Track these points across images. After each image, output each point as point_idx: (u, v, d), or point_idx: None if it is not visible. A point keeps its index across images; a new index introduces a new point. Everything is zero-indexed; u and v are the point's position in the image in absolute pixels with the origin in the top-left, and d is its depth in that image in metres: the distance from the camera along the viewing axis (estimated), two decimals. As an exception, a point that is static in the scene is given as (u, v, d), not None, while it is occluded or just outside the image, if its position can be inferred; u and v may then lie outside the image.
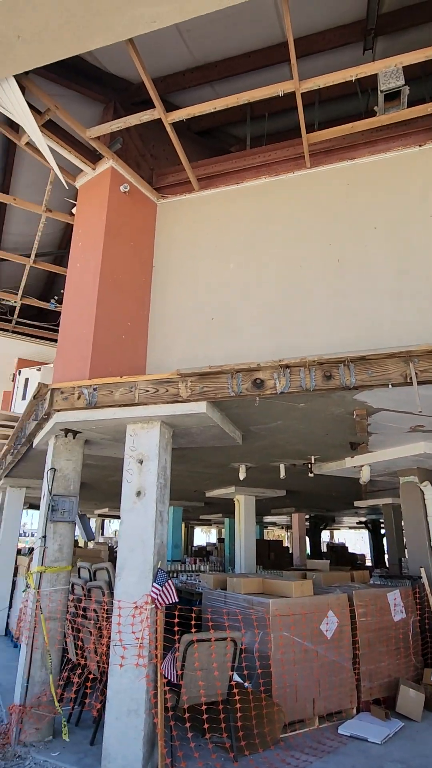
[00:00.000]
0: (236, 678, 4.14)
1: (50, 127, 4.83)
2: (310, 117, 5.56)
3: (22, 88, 4.14)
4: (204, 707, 3.85)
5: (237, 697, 3.96)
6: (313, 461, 7.09)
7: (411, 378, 3.60)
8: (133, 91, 5.77)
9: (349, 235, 4.69)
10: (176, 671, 3.77)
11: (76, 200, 5.76)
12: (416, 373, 3.60)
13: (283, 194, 5.11)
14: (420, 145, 4.76)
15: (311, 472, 7.31)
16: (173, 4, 3.38)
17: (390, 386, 3.72)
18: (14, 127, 5.14)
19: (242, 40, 5.20)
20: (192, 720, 3.96)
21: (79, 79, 5.41)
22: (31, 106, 4.27)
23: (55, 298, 8.62)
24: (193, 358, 4.75)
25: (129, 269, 5.16)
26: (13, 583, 9.22)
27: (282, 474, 7.44)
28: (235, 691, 4.01)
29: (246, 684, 4.28)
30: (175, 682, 3.79)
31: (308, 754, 3.90)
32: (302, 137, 4.72)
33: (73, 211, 5.83)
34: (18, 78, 4.03)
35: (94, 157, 5.36)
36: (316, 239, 4.80)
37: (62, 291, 8.94)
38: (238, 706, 3.91)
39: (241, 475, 7.53)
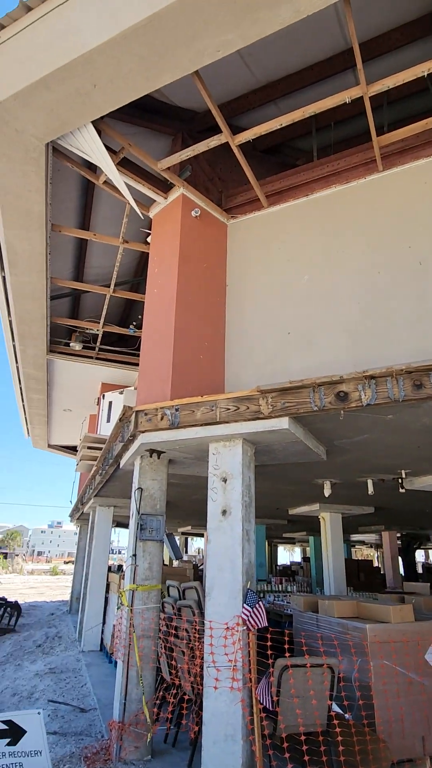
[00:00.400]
0: (335, 708, 3.92)
1: (124, 164, 5.12)
2: (379, 119, 5.40)
3: (99, 132, 4.44)
4: (303, 737, 3.67)
5: (338, 729, 3.74)
6: (404, 475, 6.67)
7: None
8: (199, 120, 5.98)
9: (430, 235, 4.44)
10: (271, 697, 3.65)
11: (150, 229, 6.03)
12: None
13: (356, 201, 4.98)
14: None
15: (402, 488, 6.87)
16: (236, 32, 3.47)
17: None
18: (92, 168, 5.53)
19: (303, 53, 5.21)
20: (290, 750, 3.79)
21: (148, 115, 5.71)
22: (107, 147, 4.57)
23: (134, 323, 9.03)
24: (271, 374, 4.71)
25: (204, 290, 5.27)
26: (106, 599, 9.56)
27: (370, 490, 7.08)
28: (335, 722, 3.79)
29: (346, 715, 4.03)
30: (271, 708, 3.67)
31: (421, 798, 3.57)
32: (372, 141, 4.59)
33: (148, 239, 6.10)
34: (94, 123, 4.33)
35: (165, 187, 5.60)
36: (395, 243, 4.60)
37: (140, 317, 9.35)
38: (339, 738, 3.69)
39: (326, 492, 7.28)
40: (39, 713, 3.58)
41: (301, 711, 3.70)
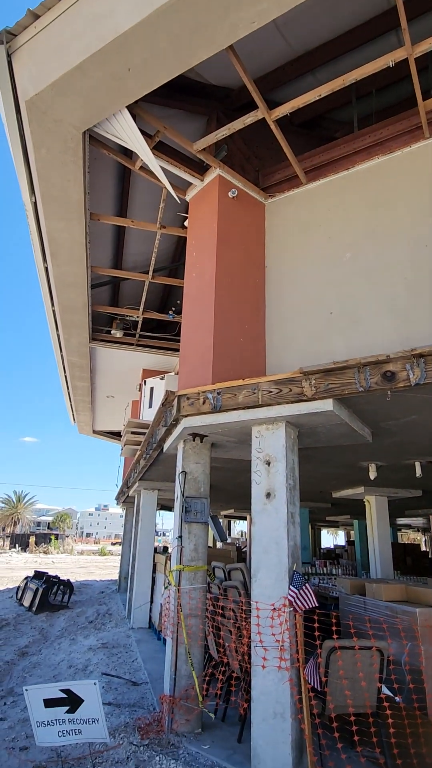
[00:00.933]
0: (385, 691, 3.89)
1: (159, 148, 5.09)
2: (425, 82, 5.10)
3: (133, 116, 4.42)
4: (353, 718, 3.67)
5: (388, 711, 3.71)
6: (453, 458, 6.44)
7: None
8: (234, 97, 5.85)
9: None
10: (320, 677, 3.66)
11: (187, 213, 5.99)
12: None
13: (399, 172, 4.75)
14: None
15: (452, 470, 6.64)
16: (271, 1, 3.33)
17: None
18: (128, 154, 5.53)
19: (341, 18, 4.97)
20: (340, 730, 3.81)
21: (182, 96, 5.64)
22: (142, 132, 4.55)
23: (173, 309, 9.08)
24: (314, 356, 4.62)
25: (242, 272, 5.21)
26: (153, 579, 9.85)
27: (418, 472, 6.88)
28: (386, 704, 3.77)
29: (397, 698, 3.99)
30: (319, 688, 3.68)
31: None
32: (418, 105, 4.35)
33: (185, 224, 6.07)
34: (129, 108, 4.31)
35: (201, 169, 5.54)
36: (443, 214, 4.36)
37: (179, 302, 9.39)
38: (390, 720, 3.67)
39: (372, 475, 7.14)
40: (95, 684, 3.75)
41: (351, 692, 3.70)
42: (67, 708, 3.72)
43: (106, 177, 6.37)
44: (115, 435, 16.47)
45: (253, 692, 3.82)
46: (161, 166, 5.02)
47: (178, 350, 9.43)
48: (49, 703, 3.71)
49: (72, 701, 3.72)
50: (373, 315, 4.48)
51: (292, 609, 3.81)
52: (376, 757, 3.76)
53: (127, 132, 4.50)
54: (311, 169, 5.32)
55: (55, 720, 3.70)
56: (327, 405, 3.99)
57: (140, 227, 6.61)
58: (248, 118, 4.55)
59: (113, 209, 6.94)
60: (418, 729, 3.74)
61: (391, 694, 3.89)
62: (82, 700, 3.72)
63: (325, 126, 6.70)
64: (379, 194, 4.82)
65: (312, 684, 3.67)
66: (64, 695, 3.72)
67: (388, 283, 4.49)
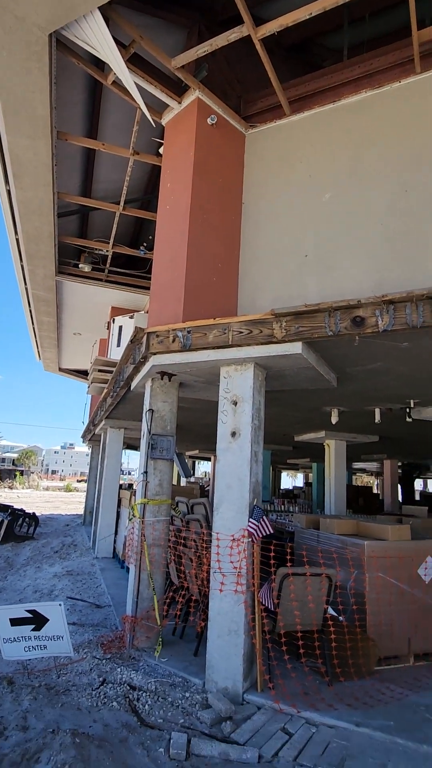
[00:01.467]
0: (331, 611, 4.26)
1: (135, 62, 4.68)
2: (421, 12, 4.79)
3: (107, 21, 4.00)
4: (300, 635, 4.03)
5: (332, 629, 4.09)
6: (412, 405, 6.72)
7: None
8: (218, 10, 5.36)
9: (467, 149, 4.10)
10: (273, 600, 3.96)
11: (162, 139, 5.63)
12: None
13: (388, 109, 4.56)
14: None
15: (409, 417, 6.96)
16: None
17: None
18: (100, 66, 5.06)
19: None
20: (288, 645, 4.19)
21: (162, 3, 5.12)
22: (116, 41, 4.14)
23: (144, 245, 8.73)
24: (287, 298, 4.59)
25: (219, 207, 5.02)
26: (117, 513, 10.17)
27: (377, 418, 7.18)
28: (330, 623, 4.14)
29: (341, 618, 4.39)
30: (272, 609, 3.99)
31: (404, 688, 3.97)
32: (412, 35, 4.11)
33: (160, 151, 5.72)
34: (103, 11, 3.89)
35: (179, 90, 5.15)
36: (421, 163, 4.26)
37: (151, 237, 9.02)
38: (332, 636, 4.06)
39: (334, 419, 7.40)
40: (60, 605, 3.93)
41: (299, 612, 4.04)
42: (33, 626, 3.91)
43: (75, 91, 5.85)
44: (82, 374, 16.26)
45: (210, 613, 4.10)
46: (136, 83, 4.64)
47: (148, 288, 9.19)
48: (15, 622, 3.87)
49: (37, 620, 3.91)
50: (348, 260, 4.44)
51: (250, 540, 4.04)
52: (318, 667, 4.17)
53: (99, 38, 4.08)
54: (296, 99, 5.04)
55: (21, 637, 3.89)
56: (296, 348, 4.03)
57: (112, 152, 6.18)
58: (232, 35, 4.21)
59: (82, 129, 6.44)
60: (357, 643, 4.15)
61: (336, 614, 4.27)
62: (47, 620, 3.91)
63: (314, 52, 6.28)
64: (364, 132, 4.64)
65: (265, 605, 3.97)
66: (30, 615, 3.89)
67: (366, 229, 4.42)
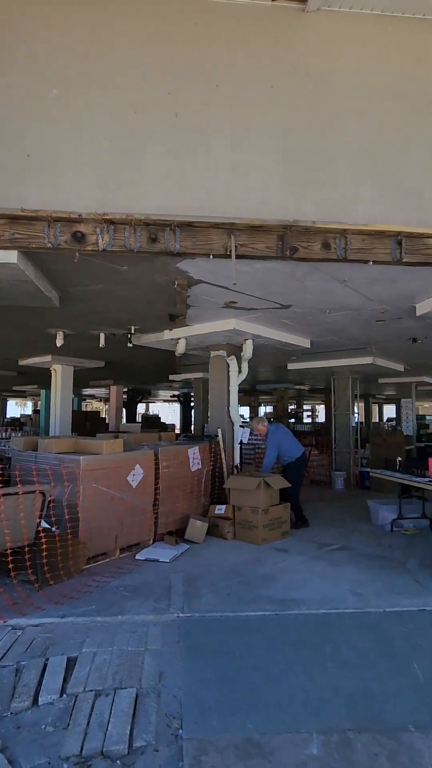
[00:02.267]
0: (44, 524, 4.39)
1: None
2: None
3: None
4: (9, 552, 4.02)
5: (43, 540, 4.23)
6: (133, 331, 7.17)
7: (230, 250, 3.75)
8: None
9: (190, 86, 4.29)
10: (-20, 523, 3.80)
11: None
12: (236, 246, 3.76)
13: (127, 14, 4.29)
14: None
15: (131, 342, 7.42)
16: None
17: (211, 257, 3.82)
18: None
19: None
20: (-2, 564, 4.14)
21: None
22: None
23: None
24: (3, 199, 4.06)
25: None
26: None
27: (102, 343, 7.39)
28: (42, 535, 4.27)
29: (54, 529, 4.58)
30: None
31: (108, 577, 4.51)
32: None
33: None
34: None
35: None
36: (156, 82, 4.27)
37: None
38: (44, 547, 4.21)
39: (59, 342, 7.24)
40: None
41: (10, 531, 4.01)
42: None
43: None
44: None
45: None
46: None
47: None
48: None
49: None
50: (75, 172, 4.17)
51: None
52: (29, 579, 4.30)
53: None
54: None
55: None
56: (11, 256, 3.68)
57: None
58: None
59: None
60: (68, 548, 4.44)
61: (49, 526, 4.43)
62: None
63: None
64: (98, 34, 4.27)
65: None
66: None
67: (94, 141, 4.20)
